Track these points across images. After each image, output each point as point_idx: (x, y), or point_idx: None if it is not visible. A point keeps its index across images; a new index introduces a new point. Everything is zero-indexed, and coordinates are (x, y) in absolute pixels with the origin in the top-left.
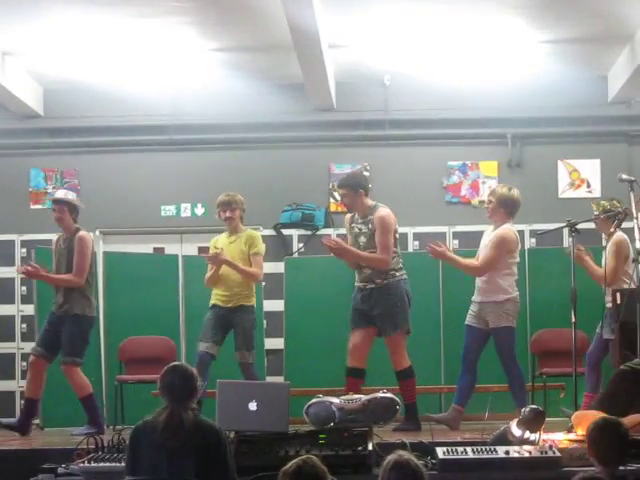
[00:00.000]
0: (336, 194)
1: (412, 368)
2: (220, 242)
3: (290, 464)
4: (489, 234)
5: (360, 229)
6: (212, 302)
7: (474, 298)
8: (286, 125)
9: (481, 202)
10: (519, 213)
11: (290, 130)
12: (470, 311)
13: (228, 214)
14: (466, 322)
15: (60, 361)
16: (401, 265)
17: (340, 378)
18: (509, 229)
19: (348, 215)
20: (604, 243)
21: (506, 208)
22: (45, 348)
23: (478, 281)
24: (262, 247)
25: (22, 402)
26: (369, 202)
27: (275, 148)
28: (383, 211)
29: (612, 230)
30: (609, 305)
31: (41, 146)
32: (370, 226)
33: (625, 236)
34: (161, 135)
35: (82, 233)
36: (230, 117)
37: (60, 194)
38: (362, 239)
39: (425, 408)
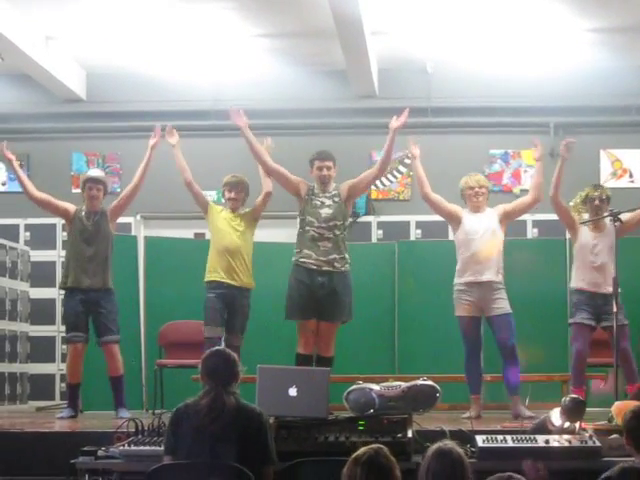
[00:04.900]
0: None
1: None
2: (225, 213)
3: (362, 452)
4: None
5: (323, 202)
6: (214, 279)
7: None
8: (328, 111)
9: (523, 191)
10: None
11: (332, 116)
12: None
13: (233, 195)
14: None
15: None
16: None
17: (381, 365)
18: None
19: (305, 186)
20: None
21: None
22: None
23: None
24: None
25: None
26: None
27: (317, 134)
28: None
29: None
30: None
31: (83, 130)
32: (336, 199)
33: None
34: (203, 120)
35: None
36: (271, 103)
37: (97, 173)
38: (326, 210)
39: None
